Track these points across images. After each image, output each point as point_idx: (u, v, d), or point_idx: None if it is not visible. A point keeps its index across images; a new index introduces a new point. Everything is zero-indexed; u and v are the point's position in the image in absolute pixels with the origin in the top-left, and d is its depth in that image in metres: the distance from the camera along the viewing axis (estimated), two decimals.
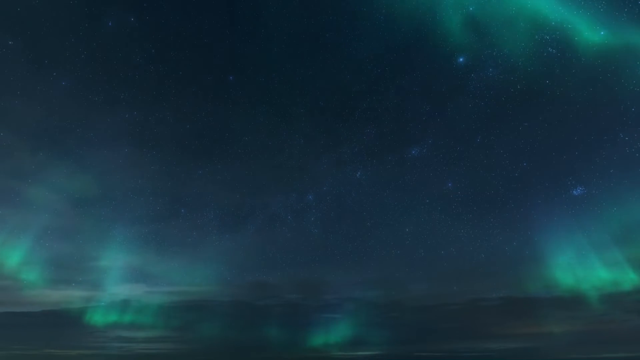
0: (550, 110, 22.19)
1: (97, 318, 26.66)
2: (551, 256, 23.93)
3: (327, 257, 26.88)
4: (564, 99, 21.46)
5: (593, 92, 20.82)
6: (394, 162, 25.31)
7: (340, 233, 26.76)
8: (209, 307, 27.36)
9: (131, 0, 22.70)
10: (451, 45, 22.43)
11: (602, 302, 23.11)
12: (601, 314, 23.23)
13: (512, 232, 24.48)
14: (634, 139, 20.66)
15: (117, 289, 26.78)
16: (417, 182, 25.00)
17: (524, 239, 24.22)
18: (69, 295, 26.17)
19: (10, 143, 23.03)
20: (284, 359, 26.62)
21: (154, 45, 23.40)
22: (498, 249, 24.64)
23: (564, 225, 23.14)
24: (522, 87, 21.92)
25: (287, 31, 23.98)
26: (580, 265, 23.32)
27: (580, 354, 22.84)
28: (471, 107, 23.25)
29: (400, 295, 27.25)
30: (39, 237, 24.52)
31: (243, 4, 23.57)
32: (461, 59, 22.69)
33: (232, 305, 27.59)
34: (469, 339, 26.14)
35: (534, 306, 24.90)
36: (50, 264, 25.29)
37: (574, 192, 22.61)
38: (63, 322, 26.45)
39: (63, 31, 21.96)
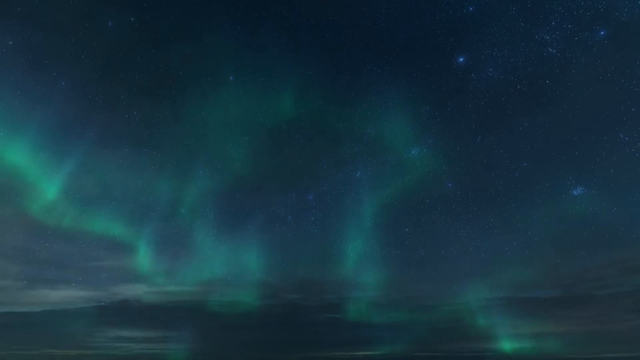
0: (550, 110, 22.24)
1: (97, 318, 26.76)
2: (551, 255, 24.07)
3: (327, 257, 26.92)
4: (564, 99, 21.52)
5: (593, 92, 20.86)
6: (394, 162, 25.35)
7: (340, 233, 26.75)
8: (209, 307, 27.41)
9: (131, 0, 22.78)
10: (451, 45, 22.56)
11: (604, 302, 23.20)
12: (601, 314, 23.29)
13: (512, 232, 24.54)
14: (634, 139, 20.70)
15: (117, 289, 26.89)
16: (417, 182, 25.00)
17: (524, 239, 24.29)
18: (69, 295, 26.27)
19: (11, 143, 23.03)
20: (284, 358, 26.62)
21: (154, 45, 23.48)
22: (498, 249, 24.70)
23: (564, 225, 23.20)
24: (522, 87, 22.00)
25: (287, 31, 24.08)
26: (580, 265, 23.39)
27: (580, 354, 22.84)
28: (471, 107, 23.35)
29: (400, 295, 27.31)
30: (39, 237, 24.62)
31: (243, 4, 23.67)
32: (461, 59, 22.79)
33: (232, 305, 27.64)
34: (469, 339, 26.17)
35: (534, 306, 25.00)
36: (51, 264, 25.38)
37: (574, 192, 22.64)
38: (63, 322, 26.52)
39: (63, 31, 22.05)
